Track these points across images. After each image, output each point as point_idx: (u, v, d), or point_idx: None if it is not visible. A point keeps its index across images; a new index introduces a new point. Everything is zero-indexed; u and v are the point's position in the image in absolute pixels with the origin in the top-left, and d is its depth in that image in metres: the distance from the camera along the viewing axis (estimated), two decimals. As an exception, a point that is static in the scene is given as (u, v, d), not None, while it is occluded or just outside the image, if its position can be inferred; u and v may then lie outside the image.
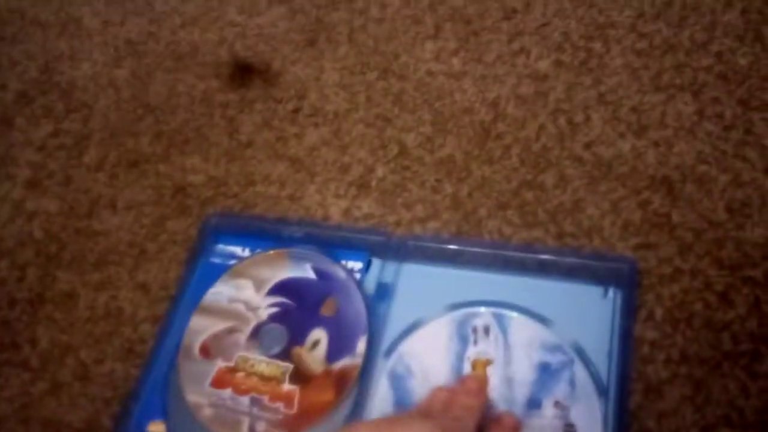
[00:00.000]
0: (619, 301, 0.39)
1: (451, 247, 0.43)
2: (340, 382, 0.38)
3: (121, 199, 0.51)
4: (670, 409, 0.36)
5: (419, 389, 0.38)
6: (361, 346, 0.39)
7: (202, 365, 0.41)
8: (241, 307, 0.43)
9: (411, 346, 0.40)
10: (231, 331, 0.41)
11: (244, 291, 0.43)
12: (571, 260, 0.41)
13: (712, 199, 0.42)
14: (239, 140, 0.52)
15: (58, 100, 0.58)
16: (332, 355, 0.40)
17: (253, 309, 0.42)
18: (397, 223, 0.46)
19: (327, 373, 0.39)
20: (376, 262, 0.43)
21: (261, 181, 0.50)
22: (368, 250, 0.43)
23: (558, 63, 0.50)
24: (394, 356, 0.40)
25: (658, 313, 0.39)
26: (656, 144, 0.45)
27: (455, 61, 0.52)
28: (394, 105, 0.51)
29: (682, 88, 0.47)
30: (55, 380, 0.44)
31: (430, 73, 0.52)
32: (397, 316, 0.41)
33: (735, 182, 0.42)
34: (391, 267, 0.43)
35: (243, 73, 0.56)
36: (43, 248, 0.50)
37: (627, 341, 0.37)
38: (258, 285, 0.43)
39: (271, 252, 0.45)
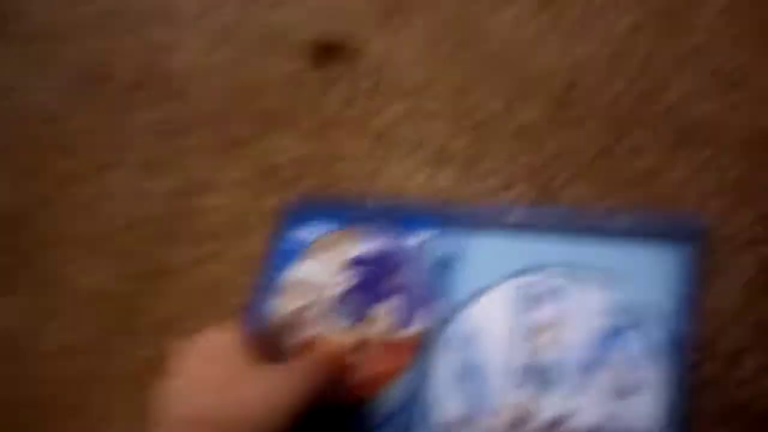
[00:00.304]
0: (687, 262, 0.38)
1: (515, 215, 0.44)
2: (408, 349, 0.41)
3: (222, 180, 0.56)
4: (748, 378, 0.36)
5: (480, 353, 0.41)
6: (427, 316, 0.42)
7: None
8: (316, 284, 0.46)
9: (476, 312, 0.42)
10: (308, 307, 0.45)
11: (320, 269, 0.47)
12: (638, 221, 0.41)
13: (802, 162, 0.40)
14: (324, 119, 0.55)
15: (161, 88, 0.64)
16: (399, 325, 0.43)
17: (329, 285, 0.46)
18: (474, 194, 0.47)
19: (395, 343, 0.42)
20: (443, 233, 0.45)
21: (345, 158, 0.52)
22: (435, 221, 0.45)
23: (639, 25, 0.49)
24: (459, 322, 0.42)
25: (739, 280, 0.39)
26: (742, 104, 0.43)
27: (534, 25, 0.52)
28: (470, 75, 0.52)
29: (773, 43, 0.44)
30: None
31: (507, 40, 0.52)
32: (463, 284, 0.43)
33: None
34: (457, 237, 0.44)
35: (325, 52, 0.58)
36: (155, 226, 0.56)
37: (695, 303, 0.37)
38: (334, 260, 0.47)
39: (347, 230, 0.47)
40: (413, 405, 0.40)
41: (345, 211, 0.49)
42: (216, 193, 0.56)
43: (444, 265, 0.44)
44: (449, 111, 0.51)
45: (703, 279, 0.39)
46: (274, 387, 0.35)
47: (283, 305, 0.46)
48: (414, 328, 0.42)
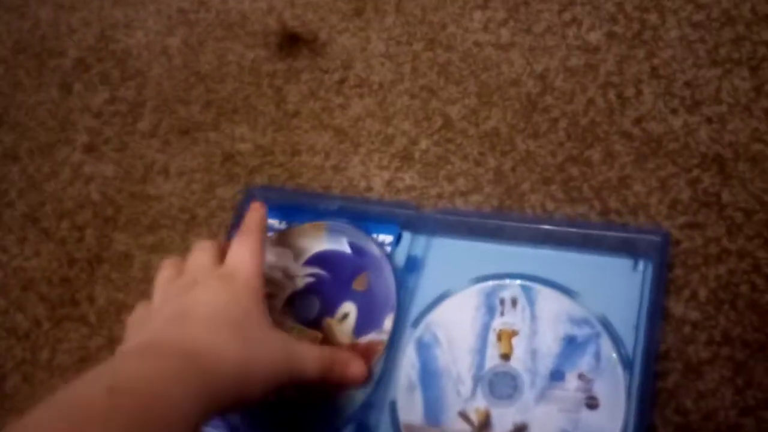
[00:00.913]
0: (649, 274, 0.38)
1: (480, 220, 0.43)
2: (365, 355, 0.39)
3: (173, 166, 0.53)
4: (709, 390, 0.36)
5: (444, 357, 0.39)
6: (388, 323, 0.40)
7: None
8: (279, 275, 0.44)
9: (438, 317, 0.41)
10: (268, 296, 0.42)
11: (283, 259, 0.44)
12: (599, 232, 0.40)
13: (766, 179, 0.41)
14: (286, 110, 0.53)
15: (113, 67, 0.60)
16: (359, 329, 0.41)
17: (291, 277, 0.44)
18: (439, 196, 0.46)
19: (353, 347, 0.40)
20: (406, 236, 0.44)
21: (306, 150, 0.50)
22: (399, 223, 0.44)
23: (610, 34, 0.49)
24: (422, 326, 0.40)
25: (702, 293, 0.38)
26: (709, 120, 0.44)
27: (504, 31, 0.52)
28: (439, 76, 0.51)
29: (739, 62, 0.45)
30: (111, 336, 0.47)
31: (477, 43, 0.52)
32: (425, 288, 0.42)
33: (792, 162, 0.41)
34: (420, 240, 0.43)
35: (290, 42, 0.56)
36: (101, 211, 0.53)
37: (656, 315, 0.37)
38: (296, 255, 0.45)
39: (310, 224, 0.45)
40: (375, 409, 0.38)
41: (304, 207, 0.46)
42: (165, 180, 0.53)
43: (407, 268, 0.42)
44: (417, 110, 0.50)
45: (667, 290, 0.39)
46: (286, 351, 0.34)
47: None
48: (371, 336, 0.40)
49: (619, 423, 0.35)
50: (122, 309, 0.48)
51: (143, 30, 0.61)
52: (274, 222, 0.46)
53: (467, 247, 0.43)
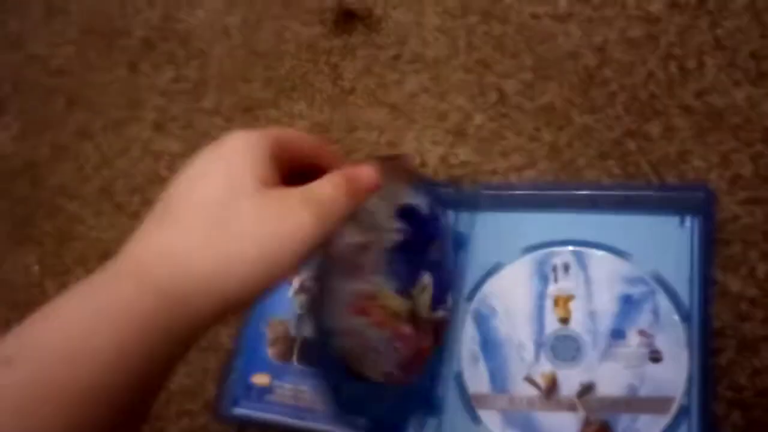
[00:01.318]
0: (696, 229, 0.38)
1: (525, 192, 0.44)
2: (438, 330, 0.40)
3: (235, 142, 0.55)
4: (764, 367, 0.36)
5: (503, 327, 0.40)
6: (449, 298, 0.41)
7: (342, 283, 0.39)
8: (374, 221, 0.39)
9: (493, 288, 0.42)
10: (366, 246, 0.39)
11: (377, 207, 0.39)
12: (645, 193, 0.41)
13: (834, 154, 0.40)
14: (342, 87, 0.54)
15: (177, 46, 0.63)
16: (434, 303, 0.41)
17: (384, 229, 0.40)
18: (494, 172, 0.47)
19: (429, 321, 0.41)
20: (450, 214, 0.43)
21: (362, 127, 0.52)
22: (455, 197, 0.44)
23: (672, 4, 0.47)
24: (477, 299, 0.42)
25: (761, 270, 0.38)
26: (775, 93, 0.42)
27: (561, 2, 0.51)
28: (494, 50, 0.51)
29: (810, 31, 0.43)
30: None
31: (534, 15, 0.51)
32: (475, 264, 0.43)
33: None
34: (465, 217, 0.44)
35: (346, 19, 0.57)
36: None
37: (707, 267, 0.37)
38: (387, 201, 0.39)
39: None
40: (442, 382, 0.40)
41: None
42: (229, 156, 0.55)
43: (461, 243, 0.43)
44: (472, 85, 0.50)
45: (725, 267, 0.39)
46: (278, 226, 0.26)
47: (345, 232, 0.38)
48: (445, 307, 0.41)
49: (684, 373, 0.36)
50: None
51: (204, 9, 0.63)
52: None
53: (513, 219, 0.43)
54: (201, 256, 0.25)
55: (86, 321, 0.24)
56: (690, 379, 0.35)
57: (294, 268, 0.26)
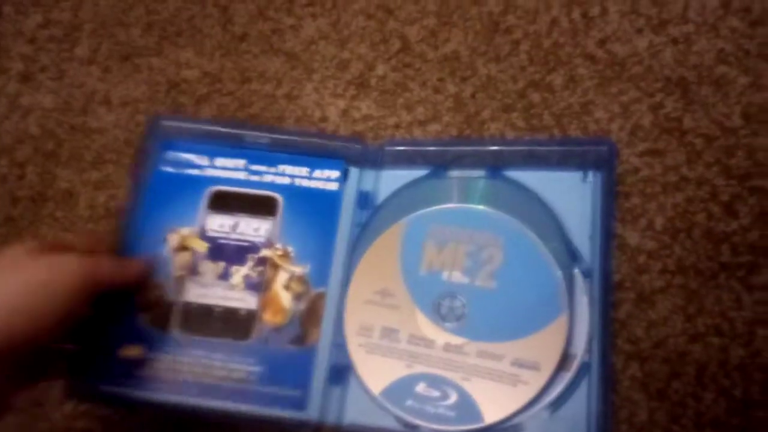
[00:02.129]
0: (599, 184, 0.38)
1: (427, 148, 0.41)
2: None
3: (116, 95, 0.50)
4: (661, 318, 0.36)
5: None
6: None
7: None
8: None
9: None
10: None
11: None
12: (549, 148, 0.40)
13: (728, 104, 0.40)
14: (233, 32, 0.49)
15: (44, -14, 0.55)
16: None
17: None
18: (397, 126, 0.44)
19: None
20: (353, 171, 0.42)
21: (256, 78, 0.48)
22: (344, 158, 0.42)
23: (576, -53, 0.46)
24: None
25: (659, 222, 0.38)
26: (675, 41, 0.42)
27: (465, -57, 0.48)
28: (397, -6, 0.48)
29: (709, -22, 0.43)
30: (62, 276, 0.46)
31: (437, -43, 0.48)
32: (377, 220, 0.41)
33: (755, 85, 0.40)
34: (369, 174, 0.42)
35: (236, -44, 0.52)
36: (41, 145, 0.50)
37: (608, 222, 0.37)
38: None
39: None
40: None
41: (228, 139, 0.43)
42: (108, 111, 0.50)
43: (358, 205, 0.41)
44: (373, 32, 0.47)
45: (623, 220, 0.38)
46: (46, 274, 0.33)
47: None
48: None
49: (585, 329, 0.35)
50: (71, 249, 0.46)
51: (74, -58, 0.56)
52: (192, 157, 0.43)
53: (415, 177, 0.42)
54: None
55: None
56: (591, 336, 0.35)
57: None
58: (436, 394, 0.36)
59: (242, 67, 0.48)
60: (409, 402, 0.36)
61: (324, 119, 0.45)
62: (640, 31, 0.43)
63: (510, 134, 0.42)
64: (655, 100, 0.41)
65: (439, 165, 0.41)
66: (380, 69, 0.46)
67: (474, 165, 0.41)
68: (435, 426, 0.35)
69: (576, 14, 0.44)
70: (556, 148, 0.40)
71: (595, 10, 0.44)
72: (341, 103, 0.46)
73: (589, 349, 0.35)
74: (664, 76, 0.41)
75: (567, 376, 0.35)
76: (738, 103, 0.40)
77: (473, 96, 0.44)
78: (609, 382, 0.35)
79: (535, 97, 0.43)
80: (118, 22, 0.52)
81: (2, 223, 0.48)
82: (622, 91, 0.42)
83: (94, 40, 0.52)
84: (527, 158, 0.40)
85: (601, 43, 0.43)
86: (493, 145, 0.41)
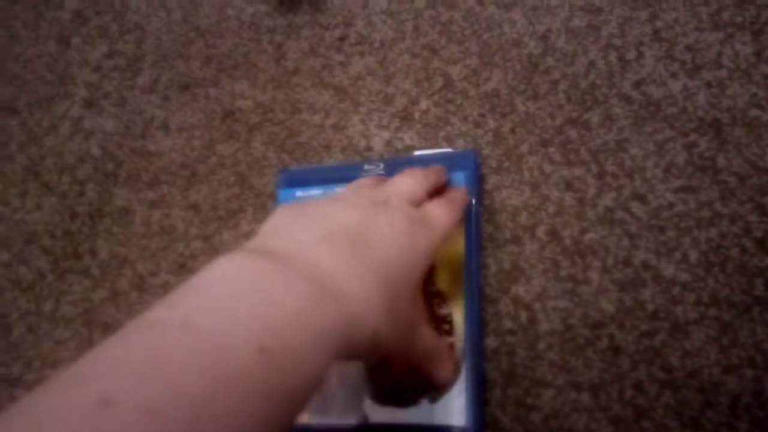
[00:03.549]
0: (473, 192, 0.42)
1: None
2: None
3: (173, 121, 0.53)
4: (695, 349, 0.37)
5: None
6: None
7: None
8: None
9: None
10: None
11: None
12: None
13: (761, 145, 0.41)
14: (286, 67, 0.53)
15: (112, 20, 0.60)
16: None
17: None
18: (439, 156, 0.46)
19: None
20: None
21: (306, 109, 0.50)
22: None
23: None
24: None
25: (693, 255, 0.39)
26: (709, 85, 0.44)
27: (507, -10, 0.51)
28: (441, 35, 0.51)
29: (742, 26, 0.45)
30: (114, 289, 0.48)
31: (480, 2, 0.51)
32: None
33: (788, 128, 0.41)
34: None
35: (291, -2, 0.56)
36: (101, 166, 0.53)
37: (477, 232, 0.40)
38: None
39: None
40: None
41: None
42: (165, 136, 0.53)
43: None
44: (418, 69, 0.50)
45: (658, 252, 0.40)
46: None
47: None
48: None
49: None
50: (124, 263, 0.49)
51: (141, -18, 0.61)
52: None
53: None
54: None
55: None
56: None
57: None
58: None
59: (293, 99, 0.51)
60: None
61: (369, 149, 0.48)
62: (674, 74, 0.45)
63: (548, 168, 0.44)
64: (689, 139, 0.43)
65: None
66: (423, 104, 0.49)
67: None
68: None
69: (612, 57, 0.46)
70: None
71: (631, 54, 0.46)
72: (386, 134, 0.48)
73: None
74: (698, 117, 0.43)
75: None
76: (770, 145, 0.41)
77: (512, 131, 0.46)
78: (481, 371, 0.37)
79: (572, 133, 0.45)
80: (178, 55, 0.56)
81: (61, 236, 0.51)
82: (656, 130, 0.43)
83: (155, 70, 0.56)
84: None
85: (637, 85, 0.45)
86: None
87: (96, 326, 0.47)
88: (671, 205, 0.41)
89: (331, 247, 0.27)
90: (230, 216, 0.48)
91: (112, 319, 0.47)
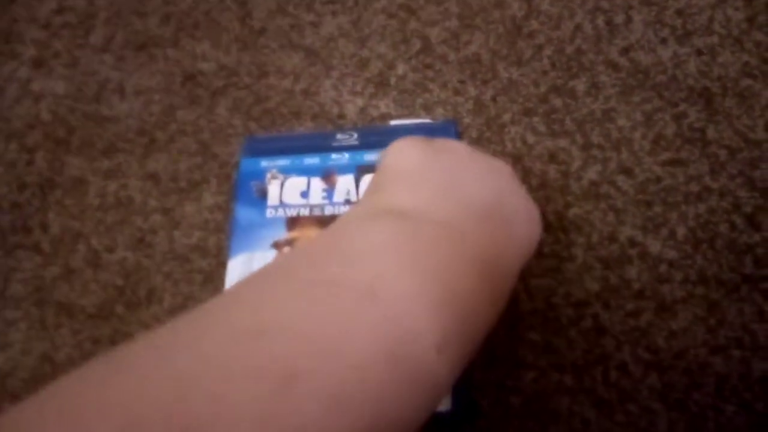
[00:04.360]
0: None
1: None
2: None
3: (130, 84, 0.49)
4: (681, 329, 0.36)
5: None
6: None
7: None
8: None
9: None
10: None
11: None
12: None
13: (752, 116, 0.40)
14: (251, 26, 0.49)
15: (60, -28, 0.55)
16: None
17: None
18: (416, 125, 0.44)
19: None
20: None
21: (274, 72, 0.47)
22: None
23: (602, -45, 0.46)
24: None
25: (680, 232, 0.38)
26: (699, 52, 0.42)
27: (488, -53, 0.48)
28: (419, -5, 0.48)
29: (736, -10, 0.43)
30: (67, 266, 0.45)
31: (460, -40, 0.48)
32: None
33: (780, 98, 0.40)
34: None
35: (257, -49, 0.51)
36: (52, 132, 0.49)
37: None
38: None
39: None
40: None
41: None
42: (121, 100, 0.49)
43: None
44: (394, 31, 0.47)
45: (645, 228, 0.38)
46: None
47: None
48: None
49: None
50: (78, 238, 0.45)
51: (92, -69, 0.55)
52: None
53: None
54: None
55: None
56: None
57: None
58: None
59: (260, 61, 0.48)
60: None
61: (342, 116, 0.45)
62: (664, 40, 0.43)
63: (531, 138, 0.42)
64: (678, 110, 0.41)
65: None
66: (400, 69, 0.46)
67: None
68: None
69: (600, 21, 0.44)
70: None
71: (620, 18, 0.44)
72: (359, 101, 0.45)
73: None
74: (688, 86, 0.41)
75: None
76: (762, 116, 0.39)
77: (494, 99, 0.44)
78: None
79: (557, 102, 0.43)
80: (134, 12, 0.52)
81: (8, 209, 0.47)
82: (645, 99, 0.41)
83: (109, 28, 0.52)
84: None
85: (625, 51, 0.43)
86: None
87: (48, 306, 0.44)
88: (659, 179, 0.39)
89: (485, 224, 0.25)
90: (192, 187, 0.45)
91: (65, 298, 0.44)
